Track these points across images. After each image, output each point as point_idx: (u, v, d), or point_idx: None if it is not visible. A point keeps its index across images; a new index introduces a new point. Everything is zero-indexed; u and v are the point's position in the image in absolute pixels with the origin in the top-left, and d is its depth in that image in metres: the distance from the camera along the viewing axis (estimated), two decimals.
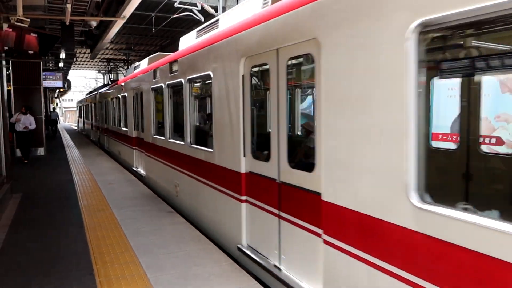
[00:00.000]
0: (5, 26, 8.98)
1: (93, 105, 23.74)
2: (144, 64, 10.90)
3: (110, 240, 5.56)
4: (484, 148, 4.90)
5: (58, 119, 34.97)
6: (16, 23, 8.80)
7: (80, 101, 38.34)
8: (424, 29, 2.35)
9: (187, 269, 4.53)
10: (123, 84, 12.82)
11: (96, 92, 22.65)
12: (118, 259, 4.86)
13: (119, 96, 13.52)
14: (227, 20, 5.67)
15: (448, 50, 4.02)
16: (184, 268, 4.56)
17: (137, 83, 10.60)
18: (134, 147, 11.41)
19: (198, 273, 4.42)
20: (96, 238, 5.63)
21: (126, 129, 12.40)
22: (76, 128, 43.69)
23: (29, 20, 8.99)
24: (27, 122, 13.74)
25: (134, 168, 11.34)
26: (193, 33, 7.05)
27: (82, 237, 5.69)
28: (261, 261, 4.36)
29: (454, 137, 5.33)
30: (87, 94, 33.99)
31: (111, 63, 28.09)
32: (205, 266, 4.62)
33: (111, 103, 15.88)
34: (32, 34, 9.47)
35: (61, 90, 36.84)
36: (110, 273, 4.46)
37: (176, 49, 7.93)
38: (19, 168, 12.39)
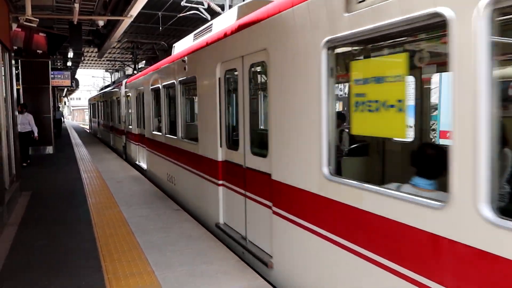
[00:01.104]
0: (14, 26, 9.09)
1: (113, 101, 17.95)
2: (229, 16, 6.05)
3: (118, 237, 5.61)
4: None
5: (63, 118, 34.33)
6: (25, 23, 8.91)
7: (93, 98, 32.01)
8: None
9: (195, 267, 4.56)
10: (184, 59, 7.13)
11: (116, 86, 17.54)
12: (126, 256, 4.91)
13: (176, 82, 7.68)
14: None
15: None
16: (192, 266, 4.59)
17: (233, 51, 5.25)
18: (220, 182, 5.79)
19: (206, 271, 4.45)
20: (104, 236, 5.68)
21: (192, 143, 6.95)
22: (87, 128, 39.09)
23: (37, 20, 9.09)
24: (25, 121, 12.64)
25: (221, 226, 5.74)
26: None
27: (91, 235, 5.75)
28: None
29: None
30: (101, 90, 28.12)
31: (138, 49, 22.66)
32: (212, 263, 4.65)
33: (152, 97, 9.91)
34: (40, 34, 9.60)
35: (69, 89, 37.14)
36: (118, 270, 4.51)
37: None
38: (28, 166, 12.52)
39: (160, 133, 9.07)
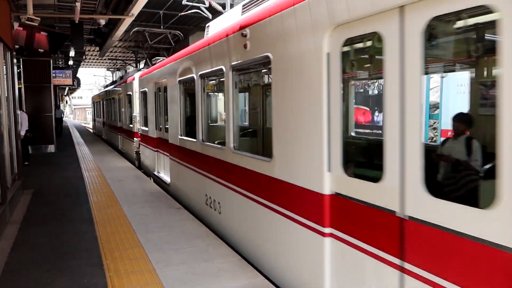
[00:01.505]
0: (16, 25, 9.11)
1: (122, 99, 15.30)
2: None
3: (119, 235, 5.63)
4: None
5: (63, 116, 33.44)
6: (26, 22, 8.92)
7: (97, 96, 27.86)
8: None
9: (196, 265, 4.58)
10: (245, 32, 4.76)
11: (124, 81, 14.81)
12: (127, 254, 4.93)
13: (226, 68, 5.36)
14: None
15: None
16: (193, 264, 4.61)
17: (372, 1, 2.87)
18: (326, 230, 3.46)
19: (207, 269, 4.47)
20: (106, 234, 5.70)
21: (259, 160, 4.59)
22: (89, 128, 38.15)
23: (39, 19, 9.10)
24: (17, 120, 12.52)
25: None
26: None
27: (92, 233, 5.77)
28: None
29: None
30: (107, 86, 23.80)
31: (140, 47, 20.11)
32: (213, 261, 4.66)
33: (180, 91, 7.62)
34: (42, 33, 9.61)
35: (71, 88, 37.18)
36: (119, 268, 4.53)
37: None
38: (30, 165, 12.55)
39: (194, 139, 6.73)
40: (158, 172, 9.99)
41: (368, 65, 3.58)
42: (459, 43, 3.36)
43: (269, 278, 4.29)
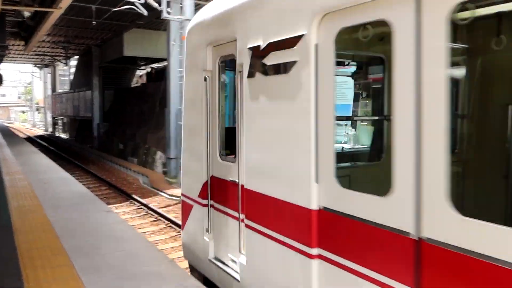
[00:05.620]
0: None
1: None
2: None
3: (42, 243, 5.28)
4: None
5: None
6: None
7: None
8: None
9: (125, 270, 4.41)
10: None
11: None
12: (50, 262, 4.63)
13: None
14: None
15: None
16: (122, 269, 4.44)
17: None
18: None
19: (136, 273, 4.32)
20: (27, 242, 5.32)
21: None
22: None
23: None
24: None
25: None
26: None
27: (10, 242, 5.35)
28: None
29: None
30: None
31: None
32: (143, 265, 4.53)
33: None
34: None
35: None
36: (40, 277, 4.24)
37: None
38: None
39: None
40: None
41: None
42: None
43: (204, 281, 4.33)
